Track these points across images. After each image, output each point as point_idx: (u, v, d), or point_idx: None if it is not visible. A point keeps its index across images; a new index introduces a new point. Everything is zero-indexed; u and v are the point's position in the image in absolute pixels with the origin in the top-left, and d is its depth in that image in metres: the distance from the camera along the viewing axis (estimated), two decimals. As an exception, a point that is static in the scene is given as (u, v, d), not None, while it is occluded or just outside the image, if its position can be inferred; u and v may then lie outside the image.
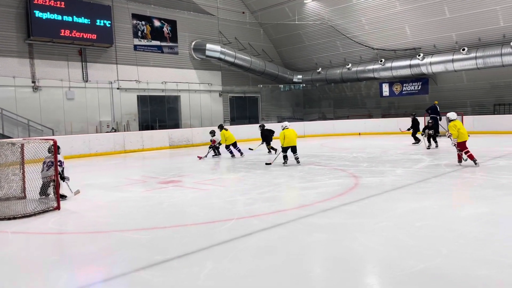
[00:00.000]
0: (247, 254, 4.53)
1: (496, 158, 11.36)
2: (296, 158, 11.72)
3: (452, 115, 10.67)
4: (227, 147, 14.46)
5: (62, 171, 7.72)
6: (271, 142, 14.63)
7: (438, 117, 19.54)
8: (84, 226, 6.10)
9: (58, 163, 7.41)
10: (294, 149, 11.72)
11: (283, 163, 11.57)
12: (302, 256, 4.49)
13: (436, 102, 19.99)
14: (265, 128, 14.95)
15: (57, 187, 7.04)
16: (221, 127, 14.86)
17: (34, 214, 6.59)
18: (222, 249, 4.70)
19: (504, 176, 8.54)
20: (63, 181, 7.66)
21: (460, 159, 10.35)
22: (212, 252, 4.62)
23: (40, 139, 7.35)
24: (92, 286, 3.94)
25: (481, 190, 7.27)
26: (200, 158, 14.35)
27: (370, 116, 25.83)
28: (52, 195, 7.33)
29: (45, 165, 7.52)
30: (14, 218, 6.41)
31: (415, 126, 16.81)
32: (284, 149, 11.66)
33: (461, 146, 10.13)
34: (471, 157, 9.94)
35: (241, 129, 23.00)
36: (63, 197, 7.60)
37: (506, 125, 19.75)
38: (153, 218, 6.36)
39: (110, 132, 19.66)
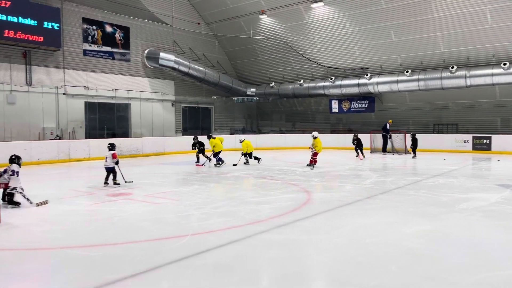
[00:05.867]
0: (204, 273, 4.47)
1: (436, 176, 12.08)
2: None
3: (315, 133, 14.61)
4: (215, 155, 15.05)
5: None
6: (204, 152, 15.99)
7: (387, 135, 20.59)
8: (27, 241, 5.73)
9: (11, 173, 7.79)
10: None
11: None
12: (258, 273, 4.51)
13: (390, 121, 21.00)
14: (198, 140, 16.20)
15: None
16: (209, 137, 15.50)
17: (-30, 229, 6.14)
18: (178, 267, 4.61)
19: (445, 193, 9.11)
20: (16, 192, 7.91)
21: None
22: (168, 270, 4.52)
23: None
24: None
25: (425, 207, 7.69)
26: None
27: (319, 131, 26.50)
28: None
29: None
30: None
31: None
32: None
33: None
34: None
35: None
36: (17, 204, 7.86)
37: (444, 143, 21.14)
38: (103, 234, 6.11)
39: (54, 139, 18.71)
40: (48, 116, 19.36)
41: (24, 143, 16.42)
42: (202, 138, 16.59)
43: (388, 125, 20.75)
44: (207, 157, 15.64)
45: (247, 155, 15.50)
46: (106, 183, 10.48)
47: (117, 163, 10.51)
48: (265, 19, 24.44)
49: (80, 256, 5.07)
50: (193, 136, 16.97)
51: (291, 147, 24.49)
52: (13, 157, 8.12)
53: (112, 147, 10.77)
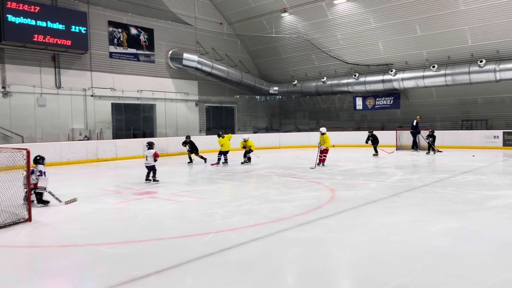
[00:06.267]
0: (227, 270, 4.52)
1: (464, 173, 11.77)
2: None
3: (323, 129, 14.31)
4: (222, 153, 15.31)
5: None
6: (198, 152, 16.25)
7: (415, 131, 20.14)
8: (57, 239, 5.94)
9: (38, 173, 8.02)
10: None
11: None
12: (281, 271, 4.52)
13: (418, 117, 20.52)
14: (190, 140, 16.22)
15: (28, 198, 6.83)
16: (219, 135, 15.91)
17: (4, 226, 6.36)
18: (201, 264, 4.68)
19: (473, 191, 8.87)
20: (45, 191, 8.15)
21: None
22: (192, 267, 4.59)
23: (13, 148, 7.13)
24: (67, 303, 3.84)
25: (452, 205, 7.51)
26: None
27: (343, 128, 26.28)
28: (35, 202, 7.89)
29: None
30: (-17, 230, 6.24)
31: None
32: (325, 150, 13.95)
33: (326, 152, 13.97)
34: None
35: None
36: (46, 202, 8.07)
37: (473, 140, 20.54)
38: (129, 231, 6.26)
39: (82, 140, 19.24)
40: (76, 118, 19.93)
41: (54, 144, 16.96)
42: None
43: (415, 121, 20.31)
44: (201, 157, 16.03)
45: (246, 153, 15.72)
46: (147, 180, 10.93)
47: (155, 160, 10.93)
48: (287, 17, 24.35)
49: (107, 253, 5.22)
50: (185, 135, 16.80)
51: (314, 145, 24.25)
52: (38, 157, 8.41)
53: (150, 146, 11.18)
